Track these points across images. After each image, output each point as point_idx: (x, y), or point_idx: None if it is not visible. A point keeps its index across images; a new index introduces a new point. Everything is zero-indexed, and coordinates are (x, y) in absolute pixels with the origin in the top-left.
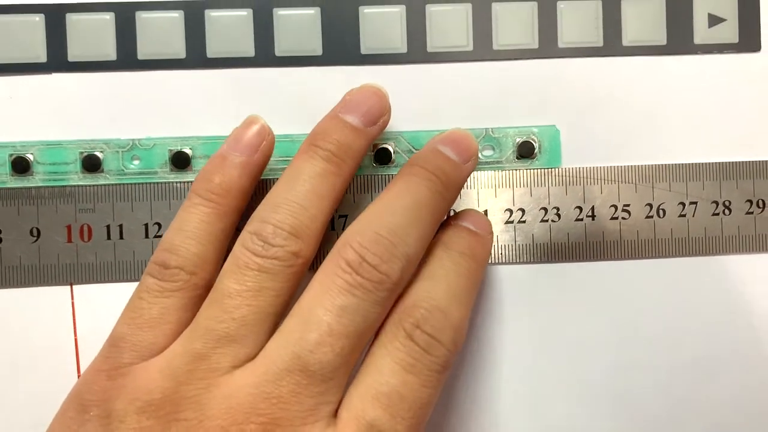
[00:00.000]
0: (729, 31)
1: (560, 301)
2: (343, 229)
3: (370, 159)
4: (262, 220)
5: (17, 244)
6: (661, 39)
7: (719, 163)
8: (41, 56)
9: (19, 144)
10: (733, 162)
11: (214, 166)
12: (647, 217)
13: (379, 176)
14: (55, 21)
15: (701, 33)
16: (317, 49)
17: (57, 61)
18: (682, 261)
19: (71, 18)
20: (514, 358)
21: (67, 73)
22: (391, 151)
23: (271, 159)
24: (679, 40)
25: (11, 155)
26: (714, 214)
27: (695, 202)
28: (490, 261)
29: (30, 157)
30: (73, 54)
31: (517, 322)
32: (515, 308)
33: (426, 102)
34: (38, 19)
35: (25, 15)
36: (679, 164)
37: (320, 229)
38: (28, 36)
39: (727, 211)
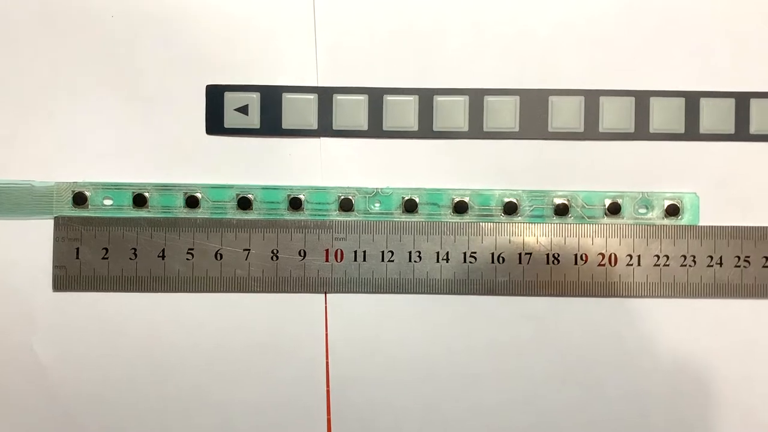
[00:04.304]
0: None
1: (689, 335)
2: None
3: (550, 211)
4: None
5: (289, 261)
6: None
7: None
8: (313, 125)
9: (294, 187)
10: None
11: None
12: (764, 266)
13: (558, 225)
14: (325, 99)
15: None
16: (515, 127)
17: (325, 128)
18: None
19: (337, 98)
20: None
21: (332, 138)
22: (568, 205)
23: (475, 206)
24: None
25: (288, 195)
26: None
27: None
28: (633, 294)
29: (302, 197)
30: (337, 124)
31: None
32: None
33: (597, 170)
34: (312, 97)
35: (304, 94)
36: None
37: None
38: (306, 110)
39: None
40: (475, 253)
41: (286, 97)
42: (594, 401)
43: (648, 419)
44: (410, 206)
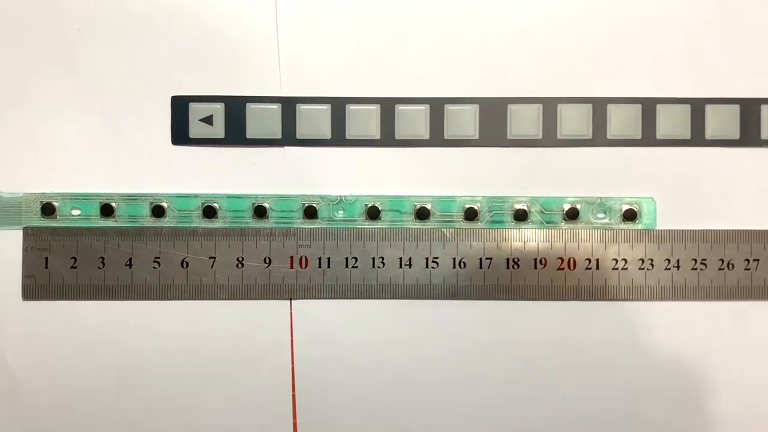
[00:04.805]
0: None
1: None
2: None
3: (509, 216)
4: None
5: (254, 269)
6: (735, 134)
7: None
8: (277, 134)
9: (259, 196)
10: None
11: None
12: (719, 269)
13: (517, 230)
14: (289, 109)
15: (767, 131)
16: (475, 135)
17: (288, 138)
18: (747, 304)
19: (300, 107)
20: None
21: (296, 147)
22: (527, 210)
23: (436, 212)
24: (750, 135)
25: (253, 204)
26: None
27: (757, 259)
28: (592, 297)
29: (266, 205)
30: (300, 133)
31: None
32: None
33: (555, 176)
34: (276, 107)
35: (267, 104)
36: (745, 230)
37: None
38: (269, 119)
39: None
40: (437, 258)
41: (250, 107)
42: (557, 405)
43: (609, 420)
44: (373, 213)
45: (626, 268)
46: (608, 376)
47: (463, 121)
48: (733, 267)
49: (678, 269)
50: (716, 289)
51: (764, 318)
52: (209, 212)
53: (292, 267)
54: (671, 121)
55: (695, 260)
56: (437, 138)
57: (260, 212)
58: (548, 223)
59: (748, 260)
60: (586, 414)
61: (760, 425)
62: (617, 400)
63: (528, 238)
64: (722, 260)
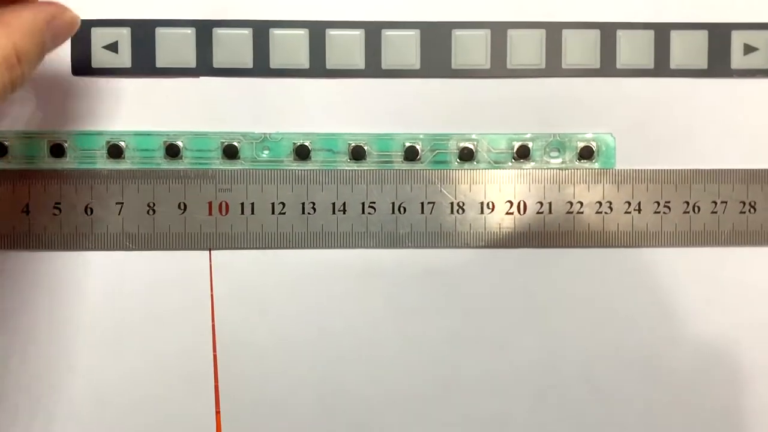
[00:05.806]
0: (761, 59)
1: (602, 285)
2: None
3: (454, 156)
4: None
5: (168, 215)
6: (703, 64)
7: (747, 169)
8: (191, 62)
9: (172, 133)
10: (758, 169)
11: None
12: (684, 212)
13: (462, 172)
14: (204, 34)
15: (737, 60)
16: (416, 64)
17: (204, 66)
18: (714, 250)
19: (217, 32)
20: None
21: (213, 77)
22: (473, 149)
23: (373, 152)
24: (719, 65)
25: (165, 142)
26: (741, 212)
27: (725, 202)
28: (543, 244)
29: (180, 144)
30: (218, 61)
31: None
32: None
33: (504, 110)
34: (190, 32)
35: (180, 28)
36: (713, 169)
37: None
38: (182, 46)
39: (752, 210)
40: (374, 203)
41: (160, 31)
42: (502, 360)
43: (565, 375)
44: (302, 153)
45: (582, 212)
46: (563, 328)
47: (403, 49)
48: (699, 210)
49: (639, 212)
50: (681, 234)
51: (731, 264)
52: (115, 152)
53: (210, 213)
54: (633, 49)
55: (658, 203)
56: (374, 68)
57: (173, 152)
58: (496, 163)
59: (716, 202)
60: (536, 366)
61: (718, 375)
62: (573, 355)
63: (474, 180)
64: (687, 203)
